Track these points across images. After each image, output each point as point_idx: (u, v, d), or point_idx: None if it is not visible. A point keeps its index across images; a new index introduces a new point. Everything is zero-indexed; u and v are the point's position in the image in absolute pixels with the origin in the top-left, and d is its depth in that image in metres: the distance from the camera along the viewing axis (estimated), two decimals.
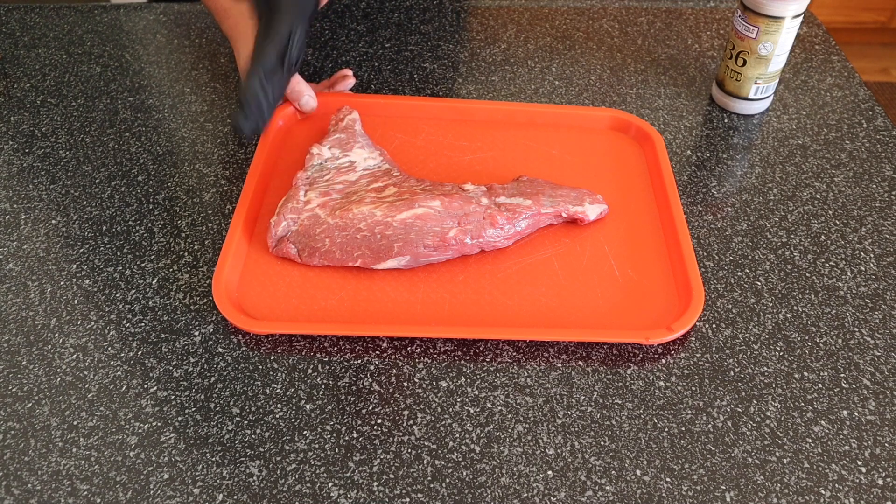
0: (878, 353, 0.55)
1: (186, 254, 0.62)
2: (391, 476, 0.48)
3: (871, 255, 0.62)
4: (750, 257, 0.62)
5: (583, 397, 0.52)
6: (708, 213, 0.65)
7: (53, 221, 0.66)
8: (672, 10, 0.91)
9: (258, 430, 0.51)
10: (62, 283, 0.60)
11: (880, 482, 0.48)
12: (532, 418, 0.51)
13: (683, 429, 0.50)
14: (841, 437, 0.50)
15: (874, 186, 0.68)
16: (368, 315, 0.57)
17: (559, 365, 0.54)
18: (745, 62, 0.71)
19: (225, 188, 0.68)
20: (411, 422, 0.51)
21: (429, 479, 0.48)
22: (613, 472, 0.48)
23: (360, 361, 0.55)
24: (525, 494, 0.47)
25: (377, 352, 0.55)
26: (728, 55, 0.72)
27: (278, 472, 0.48)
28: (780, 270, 0.61)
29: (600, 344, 0.55)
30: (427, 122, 0.74)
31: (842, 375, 0.53)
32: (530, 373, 0.54)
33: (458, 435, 0.50)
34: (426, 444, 0.50)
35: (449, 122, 0.74)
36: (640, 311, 0.57)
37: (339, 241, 0.59)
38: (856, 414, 0.51)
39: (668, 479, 0.48)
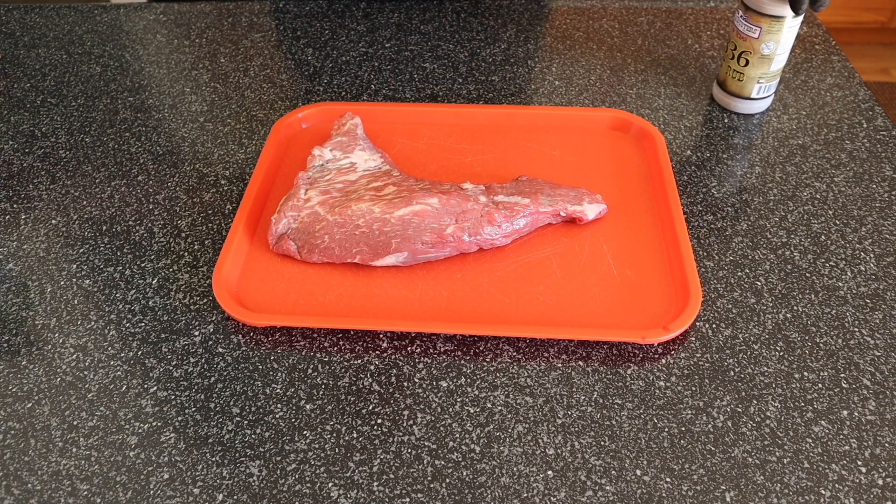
0: (878, 353, 0.55)
1: (186, 254, 0.62)
2: (391, 476, 0.48)
3: (871, 255, 0.62)
4: (750, 257, 0.62)
5: (583, 397, 0.52)
6: (708, 213, 0.65)
7: (53, 221, 0.66)
8: (672, 10, 0.91)
9: (258, 430, 0.51)
10: (62, 283, 0.60)
11: (880, 482, 0.48)
12: (532, 418, 0.51)
13: (683, 429, 0.50)
14: (841, 437, 0.50)
15: (874, 186, 0.68)
16: (367, 311, 0.57)
17: (559, 365, 0.54)
18: (747, 62, 0.71)
19: (225, 188, 0.68)
20: (411, 422, 0.51)
21: (429, 479, 0.48)
22: (613, 472, 0.48)
23: (360, 361, 0.55)
24: (525, 494, 0.47)
25: (377, 352, 0.55)
26: (730, 55, 0.72)
27: (278, 472, 0.48)
28: (780, 270, 0.61)
29: (600, 344, 0.55)
30: (428, 126, 0.74)
31: (842, 375, 0.53)
32: (530, 373, 0.54)
33: (458, 435, 0.50)
34: (426, 444, 0.50)
35: (450, 127, 0.74)
36: (638, 311, 0.57)
37: (337, 238, 0.59)
38: (856, 414, 0.51)
39: (668, 479, 0.48)
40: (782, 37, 0.68)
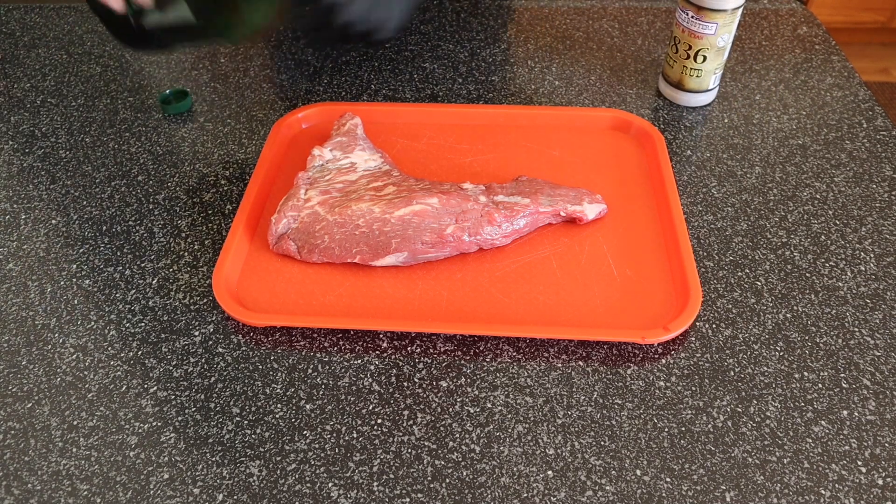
0: (878, 353, 0.55)
1: (186, 254, 0.62)
2: (391, 476, 0.48)
3: (871, 255, 0.62)
4: (750, 257, 0.62)
5: (583, 397, 0.52)
6: (708, 213, 0.65)
7: (53, 221, 0.66)
8: (672, 10, 0.91)
9: (258, 430, 0.51)
10: (62, 283, 0.60)
11: (880, 482, 0.48)
12: (532, 418, 0.51)
13: (683, 429, 0.50)
14: (841, 437, 0.50)
15: (874, 186, 0.68)
16: (367, 311, 0.57)
17: (559, 365, 0.54)
18: (705, 58, 0.72)
19: (225, 188, 0.68)
20: (411, 422, 0.51)
21: (429, 479, 0.48)
22: (613, 472, 0.48)
23: (360, 361, 0.55)
24: (525, 494, 0.47)
25: (377, 352, 0.55)
26: (683, 56, 0.73)
27: (278, 472, 0.48)
28: (780, 270, 0.61)
29: (600, 344, 0.55)
30: (428, 127, 0.74)
31: (842, 375, 0.53)
32: (530, 373, 0.54)
33: (458, 435, 0.50)
34: (426, 444, 0.50)
35: (450, 127, 0.74)
36: (638, 311, 0.57)
37: (338, 238, 0.59)
38: (856, 414, 0.51)
39: (668, 479, 0.48)
40: (734, 25, 0.70)
